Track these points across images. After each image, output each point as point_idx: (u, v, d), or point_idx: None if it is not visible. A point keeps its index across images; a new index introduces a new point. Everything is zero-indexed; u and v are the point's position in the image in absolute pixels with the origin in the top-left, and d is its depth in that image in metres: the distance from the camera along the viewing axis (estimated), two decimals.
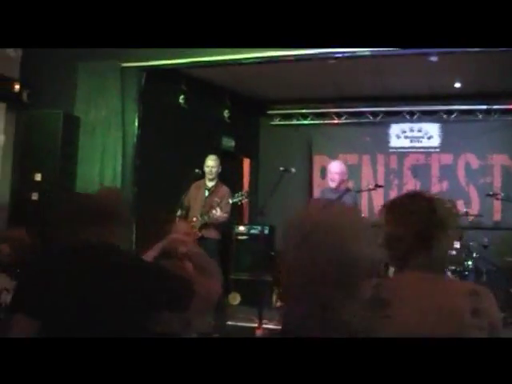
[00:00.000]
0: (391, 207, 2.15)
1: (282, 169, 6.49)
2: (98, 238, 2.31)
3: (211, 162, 6.82)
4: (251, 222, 9.05)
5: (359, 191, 8.51)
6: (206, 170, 6.79)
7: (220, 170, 6.87)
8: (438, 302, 1.96)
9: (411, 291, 1.99)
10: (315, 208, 1.48)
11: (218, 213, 6.53)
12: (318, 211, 1.43)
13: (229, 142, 9.13)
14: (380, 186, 8.13)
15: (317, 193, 9.47)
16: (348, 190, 6.75)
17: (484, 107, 8.86)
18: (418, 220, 2.03)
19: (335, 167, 6.69)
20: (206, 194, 6.81)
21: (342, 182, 6.64)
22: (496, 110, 8.85)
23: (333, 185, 6.62)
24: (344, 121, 9.63)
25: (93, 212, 2.37)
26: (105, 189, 4.48)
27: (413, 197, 2.14)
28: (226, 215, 6.61)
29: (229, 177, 8.45)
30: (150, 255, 2.79)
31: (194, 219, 6.50)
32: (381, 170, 9.45)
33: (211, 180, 6.83)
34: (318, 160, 9.69)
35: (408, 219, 2.06)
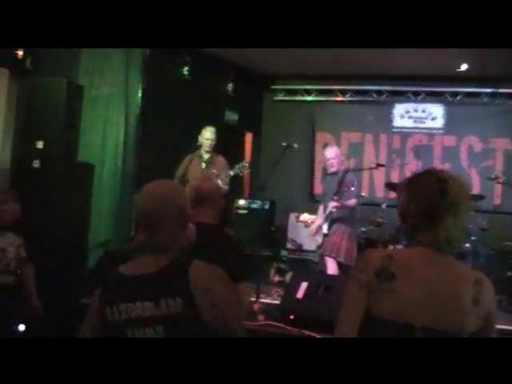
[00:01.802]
0: (407, 182, 2.15)
1: (284, 144, 6.49)
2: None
3: (209, 134, 6.77)
4: (252, 197, 9.05)
5: (361, 170, 8.52)
6: (204, 141, 6.75)
7: (215, 143, 6.83)
8: (443, 285, 1.97)
9: (419, 269, 1.99)
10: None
11: (219, 185, 6.51)
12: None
13: (232, 116, 9.10)
14: (382, 166, 8.12)
15: (318, 168, 9.47)
16: (347, 170, 6.76)
17: (489, 90, 8.83)
18: (429, 199, 2.02)
19: (330, 153, 6.69)
20: (203, 165, 6.79)
21: (339, 164, 6.65)
22: (501, 94, 8.82)
23: (332, 169, 6.64)
24: (348, 98, 9.60)
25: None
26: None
27: (427, 174, 2.11)
28: (226, 187, 6.59)
29: (231, 151, 8.46)
30: None
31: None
32: (383, 149, 9.43)
33: (207, 152, 6.80)
34: (320, 137, 9.68)
35: (418, 196, 2.06)
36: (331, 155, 6.66)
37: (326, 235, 6.41)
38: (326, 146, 9.49)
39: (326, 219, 6.42)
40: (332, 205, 6.29)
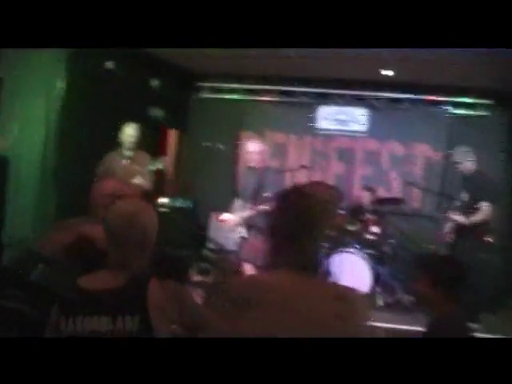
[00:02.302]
0: (275, 201, 2.12)
1: (207, 144, 6.43)
2: None
3: (130, 131, 6.67)
4: (175, 195, 8.93)
5: (283, 171, 8.55)
6: (125, 138, 6.64)
7: (137, 140, 6.73)
8: (304, 305, 1.92)
9: (279, 292, 1.94)
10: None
11: (140, 181, 6.41)
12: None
13: (157, 112, 8.95)
14: (305, 167, 8.20)
15: (242, 169, 9.44)
16: (268, 168, 6.77)
17: (411, 97, 9.02)
18: (289, 218, 1.99)
19: (253, 147, 6.67)
20: (124, 162, 6.66)
21: (261, 161, 6.64)
22: (422, 101, 9.03)
23: (252, 164, 6.60)
24: (274, 98, 9.60)
25: None
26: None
27: (290, 192, 2.10)
28: (147, 183, 6.51)
29: (155, 148, 8.34)
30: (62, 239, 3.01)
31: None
32: (306, 150, 9.50)
33: (129, 149, 6.67)
34: (245, 137, 9.64)
35: (280, 215, 2.04)
36: (254, 149, 6.63)
37: (244, 238, 6.39)
38: None
39: (243, 221, 6.41)
40: (248, 212, 6.29)
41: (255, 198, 6.30)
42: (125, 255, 2.29)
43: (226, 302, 1.99)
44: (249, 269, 6.29)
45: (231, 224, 6.66)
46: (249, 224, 6.35)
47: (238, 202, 6.68)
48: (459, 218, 6.42)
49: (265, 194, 6.25)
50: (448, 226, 6.71)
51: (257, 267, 6.26)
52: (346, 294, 1.96)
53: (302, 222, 1.96)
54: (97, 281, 2.26)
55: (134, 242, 2.29)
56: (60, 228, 3.54)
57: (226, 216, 6.71)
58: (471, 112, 8.87)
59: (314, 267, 2.00)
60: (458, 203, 6.45)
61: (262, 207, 6.23)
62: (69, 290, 2.25)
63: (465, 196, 6.29)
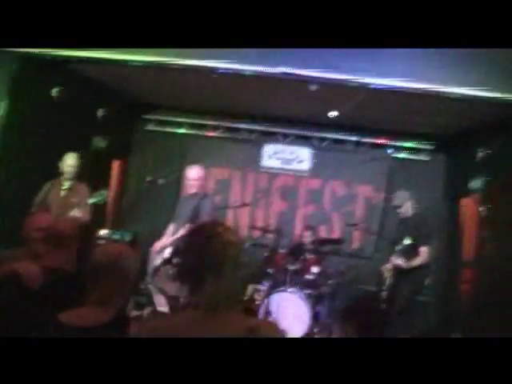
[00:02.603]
0: (181, 241, 2.18)
1: (148, 179, 6.37)
2: None
3: (70, 161, 6.55)
4: (115, 228, 8.78)
5: (226, 208, 8.54)
6: (65, 168, 6.51)
7: (78, 170, 6.61)
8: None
9: (186, 334, 1.95)
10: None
11: (75, 214, 6.24)
12: None
13: (100, 143, 8.82)
14: (246, 205, 8.20)
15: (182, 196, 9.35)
16: (205, 195, 6.78)
17: (355, 139, 9.17)
18: (192, 257, 2.02)
19: (193, 174, 6.68)
20: (62, 193, 6.52)
21: (200, 187, 6.64)
22: (365, 143, 9.19)
23: (191, 191, 6.60)
24: (220, 134, 9.61)
25: None
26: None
27: (193, 232, 2.14)
28: (86, 216, 6.35)
29: (97, 178, 8.18)
30: None
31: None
32: (250, 187, 9.51)
33: (69, 179, 6.54)
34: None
35: (184, 255, 2.07)
36: (193, 176, 6.63)
37: (166, 261, 6.27)
38: None
39: (172, 243, 6.32)
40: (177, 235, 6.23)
41: (191, 222, 6.22)
42: (109, 293, 2.44)
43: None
44: (161, 302, 6.17)
45: (157, 248, 6.55)
46: (175, 247, 6.25)
47: (172, 227, 6.61)
48: (399, 261, 6.50)
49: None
50: (387, 268, 6.78)
51: (167, 299, 6.14)
52: (258, 326, 1.97)
53: (206, 263, 1.98)
54: (80, 317, 2.35)
55: (117, 280, 2.48)
56: None
57: (159, 243, 6.61)
58: (412, 156, 9.07)
59: (222, 305, 2.00)
60: (398, 246, 6.53)
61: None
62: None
63: (405, 239, 6.39)
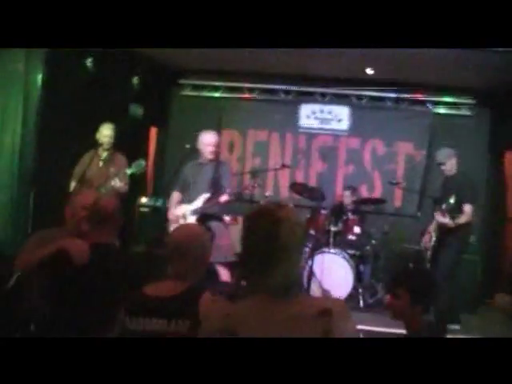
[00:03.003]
0: (244, 224, 2.07)
1: (187, 146, 6.27)
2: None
3: (106, 131, 6.52)
4: (155, 194, 8.83)
5: (265, 170, 8.48)
6: (102, 139, 6.49)
7: (114, 140, 6.59)
8: (287, 329, 1.89)
9: (259, 319, 1.93)
10: None
11: (116, 183, 6.25)
12: None
13: (137, 110, 8.82)
14: (286, 167, 8.12)
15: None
16: (221, 162, 6.64)
17: (393, 95, 8.99)
18: (259, 242, 1.96)
19: (210, 139, 6.35)
20: (101, 164, 6.52)
21: (215, 153, 6.39)
22: (405, 100, 9.01)
23: (210, 157, 6.32)
24: (256, 96, 9.53)
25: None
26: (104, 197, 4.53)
27: (257, 215, 2.04)
28: (124, 185, 6.36)
29: (135, 146, 8.22)
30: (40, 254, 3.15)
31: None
32: (289, 149, 9.43)
33: (105, 150, 6.54)
34: (226, 134, 9.54)
35: (250, 240, 2.00)
36: (210, 141, 6.34)
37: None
38: (233, 143, 9.48)
39: (194, 212, 6.21)
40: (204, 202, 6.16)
41: (211, 189, 6.16)
42: (185, 268, 2.73)
43: (212, 334, 1.98)
44: (224, 271, 6.17)
45: (174, 216, 6.37)
46: (202, 216, 6.18)
47: (177, 195, 6.44)
48: (444, 219, 6.38)
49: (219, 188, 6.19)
50: (431, 226, 6.68)
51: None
52: (331, 307, 1.91)
53: (273, 247, 1.92)
54: (159, 288, 2.70)
55: (193, 257, 2.75)
56: (38, 240, 3.52)
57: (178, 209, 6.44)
58: (453, 111, 8.86)
59: (290, 289, 1.97)
60: (443, 204, 6.41)
61: (220, 199, 6.13)
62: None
63: (450, 197, 6.26)
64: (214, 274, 6.24)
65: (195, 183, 6.32)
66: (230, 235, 6.30)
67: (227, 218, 6.62)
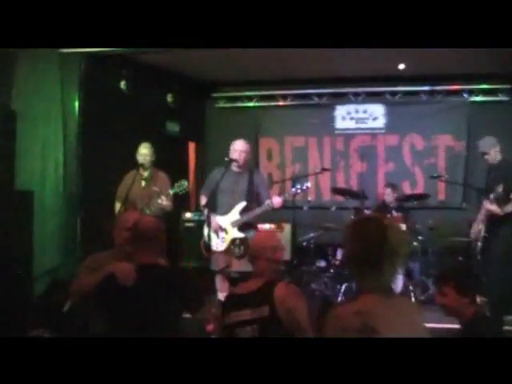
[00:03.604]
0: (349, 228, 2.26)
1: (226, 159, 6.29)
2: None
3: (145, 150, 6.57)
4: (198, 209, 8.90)
5: (306, 176, 8.48)
6: (140, 158, 6.53)
7: (154, 159, 6.62)
8: (403, 324, 2.12)
9: (388, 315, 2.11)
10: None
11: (163, 202, 6.29)
12: None
13: (174, 127, 8.94)
14: (326, 170, 8.13)
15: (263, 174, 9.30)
16: (252, 169, 6.63)
17: (427, 88, 8.92)
18: (370, 245, 2.13)
19: (240, 146, 6.31)
20: (143, 184, 6.59)
21: (247, 160, 6.36)
22: (439, 91, 8.93)
23: (239, 164, 6.25)
24: (289, 102, 9.56)
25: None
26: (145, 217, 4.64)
27: (368, 221, 2.26)
28: (169, 203, 6.39)
29: (174, 163, 8.31)
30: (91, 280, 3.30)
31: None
32: (327, 152, 9.43)
33: (146, 169, 6.60)
34: (264, 142, 9.61)
35: (360, 243, 2.17)
36: (241, 148, 6.30)
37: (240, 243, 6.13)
38: (271, 150, 9.50)
39: (235, 224, 6.19)
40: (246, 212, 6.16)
41: (249, 196, 6.18)
42: (262, 267, 3.42)
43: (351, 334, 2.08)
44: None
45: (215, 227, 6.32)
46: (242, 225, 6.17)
47: (205, 199, 6.35)
48: (494, 208, 6.29)
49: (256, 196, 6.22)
50: (479, 216, 6.58)
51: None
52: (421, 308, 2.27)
53: (384, 250, 2.11)
54: (243, 287, 3.47)
55: (268, 258, 3.46)
56: (90, 265, 3.59)
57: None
58: (490, 98, 8.74)
59: (391, 289, 2.24)
60: (490, 194, 6.31)
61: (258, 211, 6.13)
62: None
63: (497, 186, 6.16)
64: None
65: (227, 191, 6.28)
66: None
67: (269, 226, 6.61)
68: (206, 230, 6.17)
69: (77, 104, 6.90)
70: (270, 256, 3.43)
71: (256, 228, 6.41)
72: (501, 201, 6.21)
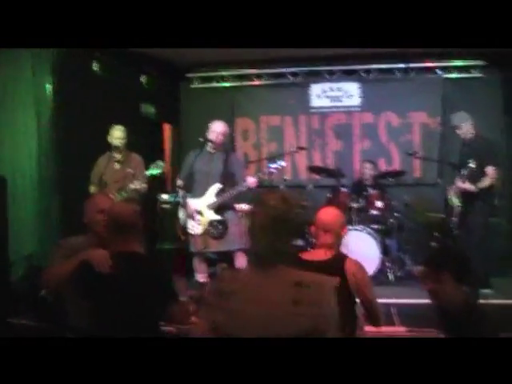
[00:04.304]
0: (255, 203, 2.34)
1: (201, 139, 6.26)
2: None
3: (118, 133, 6.54)
4: (174, 191, 8.85)
5: (282, 155, 8.46)
6: (113, 141, 6.51)
7: (127, 141, 6.61)
8: (264, 294, 2.15)
9: (245, 283, 2.22)
10: None
11: (136, 185, 6.26)
12: None
13: (149, 109, 8.87)
14: (303, 148, 8.14)
15: (240, 154, 9.25)
16: (228, 150, 6.73)
17: (402, 66, 8.93)
18: (267, 219, 2.21)
19: (217, 127, 6.34)
20: (117, 166, 6.55)
21: (224, 142, 6.43)
22: (413, 69, 8.95)
23: (216, 146, 6.29)
24: (264, 82, 9.52)
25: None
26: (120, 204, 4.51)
27: (266, 193, 2.33)
28: (144, 185, 6.37)
29: (150, 145, 8.26)
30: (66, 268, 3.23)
31: (112, 197, 5.68)
32: (303, 130, 9.42)
33: (120, 152, 6.56)
34: (239, 122, 9.57)
35: (256, 213, 2.28)
36: (219, 130, 6.33)
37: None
38: (247, 131, 9.47)
39: (211, 206, 6.23)
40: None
41: (224, 177, 6.22)
42: (331, 241, 3.60)
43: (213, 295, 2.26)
44: (242, 258, 6.23)
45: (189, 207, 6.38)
46: (220, 206, 6.23)
47: (182, 181, 6.46)
48: (467, 185, 6.35)
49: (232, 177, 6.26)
50: (454, 192, 6.63)
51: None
52: (303, 280, 2.17)
53: (278, 223, 2.20)
54: (313, 255, 3.59)
55: (335, 230, 3.64)
56: (63, 251, 3.53)
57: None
58: (464, 75, 8.78)
59: (275, 259, 2.22)
60: (463, 170, 6.36)
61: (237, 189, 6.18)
62: None
63: (470, 162, 6.21)
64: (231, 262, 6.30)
65: (202, 173, 6.29)
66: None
67: (244, 207, 6.60)
68: (181, 213, 6.16)
69: (49, 88, 6.79)
70: (339, 231, 3.67)
71: (233, 209, 6.40)
72: (474, 176, 6.27)
